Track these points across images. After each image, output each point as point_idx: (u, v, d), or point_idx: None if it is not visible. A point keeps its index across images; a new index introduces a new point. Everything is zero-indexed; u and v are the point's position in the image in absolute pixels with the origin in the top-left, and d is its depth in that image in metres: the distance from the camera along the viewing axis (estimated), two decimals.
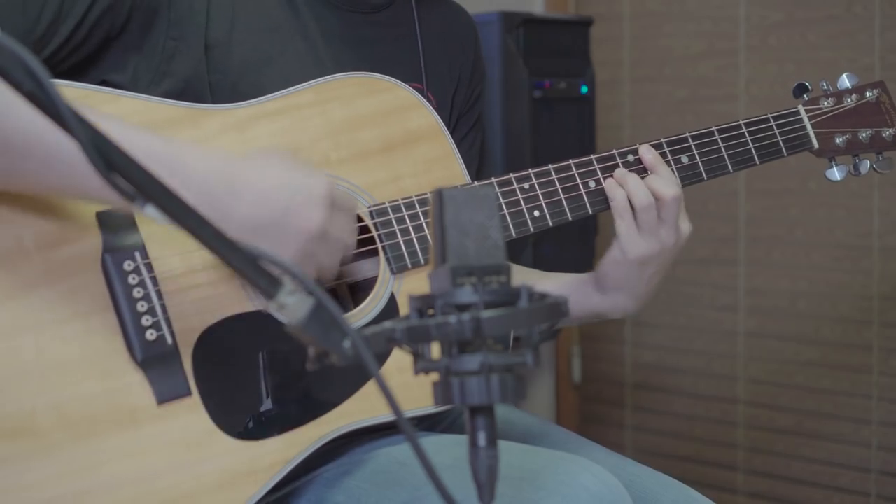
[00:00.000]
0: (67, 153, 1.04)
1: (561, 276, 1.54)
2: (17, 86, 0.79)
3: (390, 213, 1.32)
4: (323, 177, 1.18)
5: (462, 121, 1.58)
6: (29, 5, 1.20)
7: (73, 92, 1.20)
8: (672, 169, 1.43)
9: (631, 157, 1.42)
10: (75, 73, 1.26)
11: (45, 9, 1.21)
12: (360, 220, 1.32)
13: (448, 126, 1.55)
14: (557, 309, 0.84)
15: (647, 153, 1.42)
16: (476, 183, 1.38)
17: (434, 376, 0.85)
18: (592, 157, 1.42)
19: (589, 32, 2.71)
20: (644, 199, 1.38)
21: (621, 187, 1.39)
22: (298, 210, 1.15)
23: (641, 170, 1.42)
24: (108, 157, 0.81)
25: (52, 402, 1.12)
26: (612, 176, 1.41)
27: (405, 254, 1.32)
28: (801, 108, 1.54)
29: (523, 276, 1.57)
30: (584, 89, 2.68)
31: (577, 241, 2.66)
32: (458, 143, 1.57)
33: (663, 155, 1.43)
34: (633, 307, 1.45)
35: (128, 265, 1.17)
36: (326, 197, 1.16)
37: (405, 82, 1.39)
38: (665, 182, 1.39)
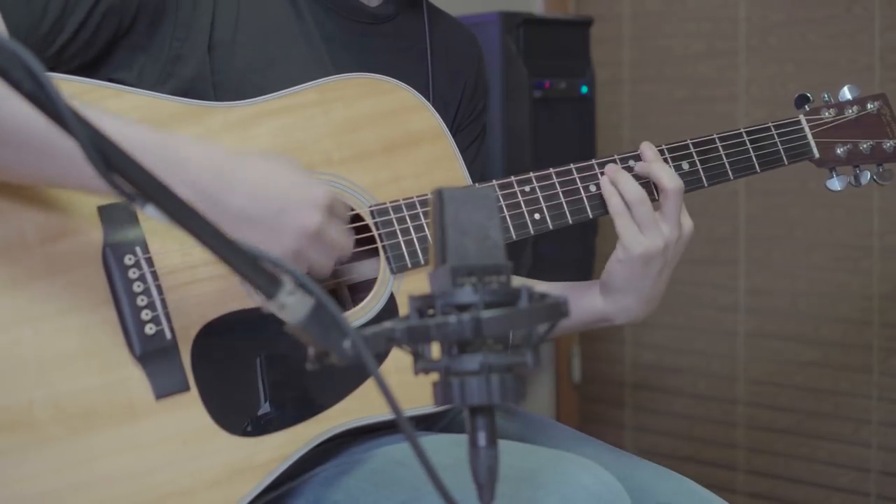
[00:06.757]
0: (62, 145, 1.03)
1: (561, 284, 1.53)
2: (16, 85, 0.79)
3: (391, 212, 1.32)
4: (323, 183, 1.18)
5: (462, 135, 1.57)
6: (34, 1, 1.20)
7: (77, 87, 1.21)
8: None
9: (632, 163, 1.42)
10: (85, 71, 1.27)
11: (51, 4, 1.21)
12: (360, 219, 1.32)
13: None
14: (557, 309, 0.84)
15: (648, 149, 1.42)
16: (477, 185, 1.38)
17: (434, 376, 0.85)
18: (594, 161, 1.41)
19: (589, 32, 2.71)
20: (636, 193, 1.37)
21: (614, 185, 1.39)
22: (295, 209, 1.14)
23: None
24: (108, 156, 0.81)
25: (50, 396, 1.12)
26: (604, 173, 1.40)
27: (405, 253, 1.32)
28: (802, 118, 1.55)
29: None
30: (584, 89, 2.67)
31: (576, 242, 2.66)
32: None
33: (665, 161, 1.43)
34: (640, 311, 1.42)
35: (128, 259, 1.17)
36: (324, 201, 1.16)
37: None
38: (666, 174, 1.39)
